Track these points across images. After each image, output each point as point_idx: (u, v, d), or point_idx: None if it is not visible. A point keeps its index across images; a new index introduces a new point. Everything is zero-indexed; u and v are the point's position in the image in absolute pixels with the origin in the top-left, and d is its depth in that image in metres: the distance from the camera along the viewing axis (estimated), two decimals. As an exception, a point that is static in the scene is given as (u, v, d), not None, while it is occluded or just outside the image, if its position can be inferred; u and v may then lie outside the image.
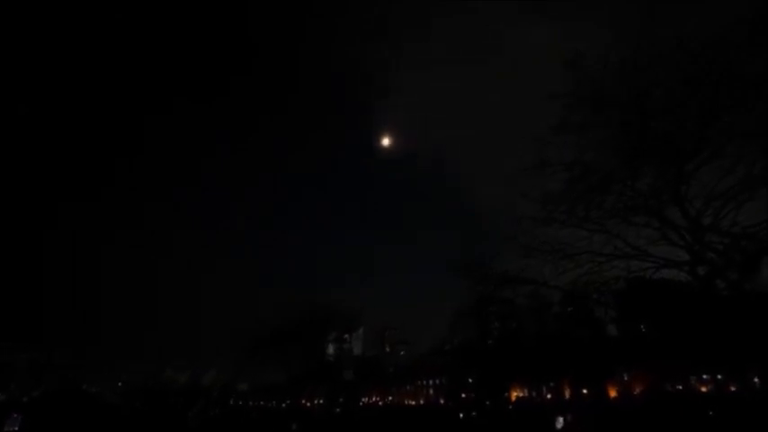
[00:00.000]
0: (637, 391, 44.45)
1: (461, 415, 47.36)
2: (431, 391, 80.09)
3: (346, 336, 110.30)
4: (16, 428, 25.47)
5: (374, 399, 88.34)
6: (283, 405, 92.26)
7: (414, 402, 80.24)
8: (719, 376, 39.19)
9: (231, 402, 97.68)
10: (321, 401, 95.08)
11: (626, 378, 45.99)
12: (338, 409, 78.76)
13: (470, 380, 65.92)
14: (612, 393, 46.25)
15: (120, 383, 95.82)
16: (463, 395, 66.58)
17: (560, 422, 17.81)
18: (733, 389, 36.79)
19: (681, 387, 41.63)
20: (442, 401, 72.10)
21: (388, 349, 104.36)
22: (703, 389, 40.99)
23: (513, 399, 58.99)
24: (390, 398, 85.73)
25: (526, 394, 58.85)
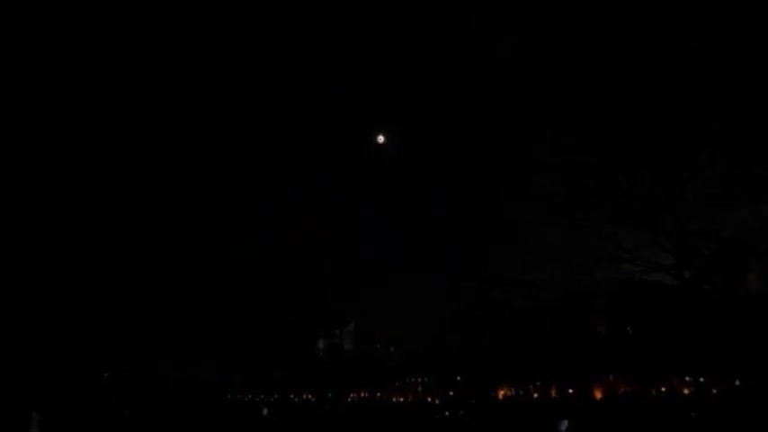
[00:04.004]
0: (622, 391, 45.21)
1: (447, 413, 47.91)
2: (419, 389, 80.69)
3: (337, 331, 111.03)
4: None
5: (363, 394, 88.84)
6: (271, 399, 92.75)
7: (402, 399, 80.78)
8: (702, 379, 39.89)
9: (222, 399, 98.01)
10: (310, 396, 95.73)
11: (611, 379, 46.75)
12: (326, 405, 79.28)
13: (458, 378, 66.63)
14: (598, 394, 47.00)
15: (105, 374, 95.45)
16: (451, 393, 67.24)
17: (564, 425, 17.89)
18: (714, 391, 37.46)
19: (664, 389, 42.32)
20: (429, 399, 72.71)
21: (378, 346, 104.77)
22: (685, 391, 41.72)
23: (501, 397, 59.76)
24: (379, 394, 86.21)
25: (513, 393, 59.58)
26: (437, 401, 67.97)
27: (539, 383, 54.27)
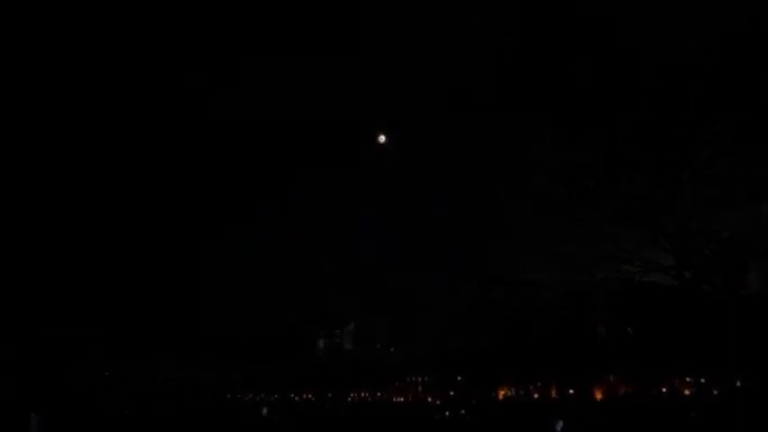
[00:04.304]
0: (622, 391, 45.20)
1: (447, 413, 47.99)
2: (419, 389, 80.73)
3: (337, 331, 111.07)
4: None
5: (363, 395, 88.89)
6: (272, 399, 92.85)
7: (402, 399, 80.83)
8: (702, 380, 39.92)
9: (222, 399, 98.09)
10: (310, 396, 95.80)
11: (611, 379, 46.74)
12: (326, 405, 79.37)
13: (459, 378, 66.71)
14: (598, 395, 46.99)
15: (106, 373, 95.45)
16: (451, 393, 67.27)
17: (560, 425, 17.92)
18: (715, 392, 37.48)
19: (664, 390, 42.32)
20: (430, 399, 72.78)
21: (378, 346, 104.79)
22: (686, 392, 41.72)
23: (501, 397, 59.77)
24: (379, 394, 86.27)
25: (513, 394, 59.60)
26: (437, 402, 67.99)
27: (539, 384, 54.28)
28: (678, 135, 21.66)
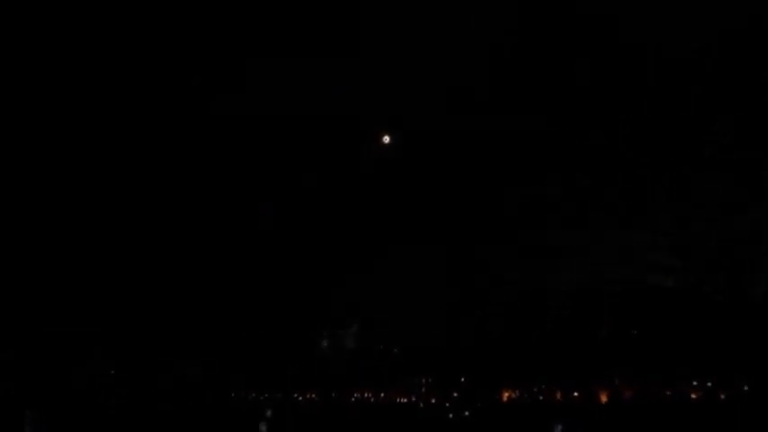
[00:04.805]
0: (627, 395, 45.02)
1: (451, 415, 47.96)
2: (423, 389, 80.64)
3: (339, 331, 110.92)
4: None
5: (366, 395, 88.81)
6: (273, 400, 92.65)
7: (405, 400, 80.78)
8: (709, 384, 39.76)
9: (222, 399, 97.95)
10: (312, 396, 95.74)
11: (616, 382, 46.55)
12: (329, 406, 79.31)
13: (462, 379, 66.67)
14: (603, 398, 46.80)
15: (112, 372, 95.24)
16: (455, 394, 67.21)
17: (559, 429, 17.87)
18: (723, 396, 37.32)
19: (669, 393, 42.16)
20: (433, 400, 72.73)
21: (381, 346, 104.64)
22: (693, 395, 41.54)
23: (505, 399, 59.70)
24: (382, 394, 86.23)
25: (517, 395, 59.46)
26: (436, 402, 67.97)
27: (541, 386, 54.17)
28: (678, 135, 21.55)
